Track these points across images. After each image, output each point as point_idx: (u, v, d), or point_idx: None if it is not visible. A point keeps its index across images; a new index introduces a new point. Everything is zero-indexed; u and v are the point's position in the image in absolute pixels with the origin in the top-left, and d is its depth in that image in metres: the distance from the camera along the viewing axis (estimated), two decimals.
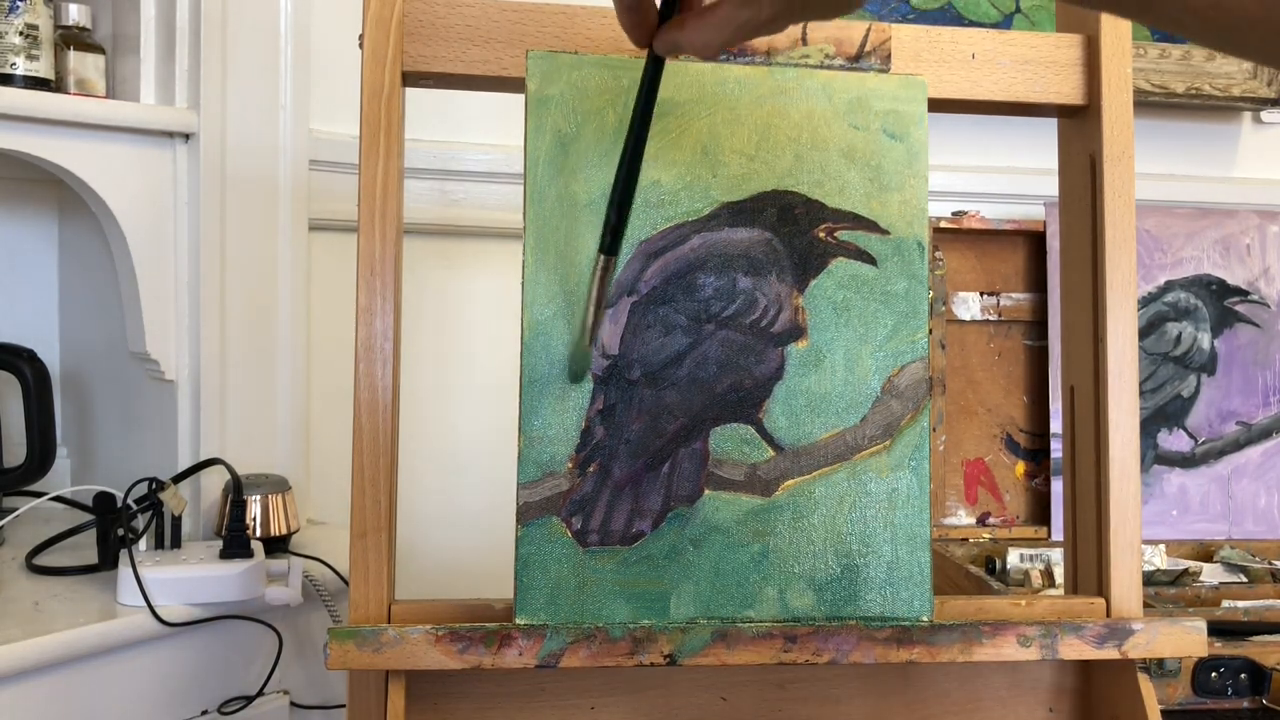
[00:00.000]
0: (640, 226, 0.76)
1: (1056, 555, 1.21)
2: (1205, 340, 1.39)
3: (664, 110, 0.77)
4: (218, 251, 1.18)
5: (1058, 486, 1.33)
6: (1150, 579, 1.20)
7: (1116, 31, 0.84)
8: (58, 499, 1.18)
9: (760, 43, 0.79)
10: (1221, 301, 1.39)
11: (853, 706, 0.83)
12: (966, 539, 1.33)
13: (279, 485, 1.18)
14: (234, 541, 1.05)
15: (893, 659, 0.76)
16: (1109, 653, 0.79)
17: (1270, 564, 1.29)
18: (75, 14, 1.16)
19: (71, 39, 1.15)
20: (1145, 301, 1.39)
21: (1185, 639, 0.80)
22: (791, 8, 0.55)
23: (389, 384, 0.76)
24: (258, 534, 1.15)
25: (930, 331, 0.87)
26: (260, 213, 1.22)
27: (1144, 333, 1.38)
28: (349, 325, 0.78)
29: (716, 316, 0.77)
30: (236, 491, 1.08)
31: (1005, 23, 1.48)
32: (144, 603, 0.98)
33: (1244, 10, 0.42)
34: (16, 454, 1.17)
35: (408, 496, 0.83)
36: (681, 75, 0.77)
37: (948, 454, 1.36)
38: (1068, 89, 0.85)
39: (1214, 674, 1.00)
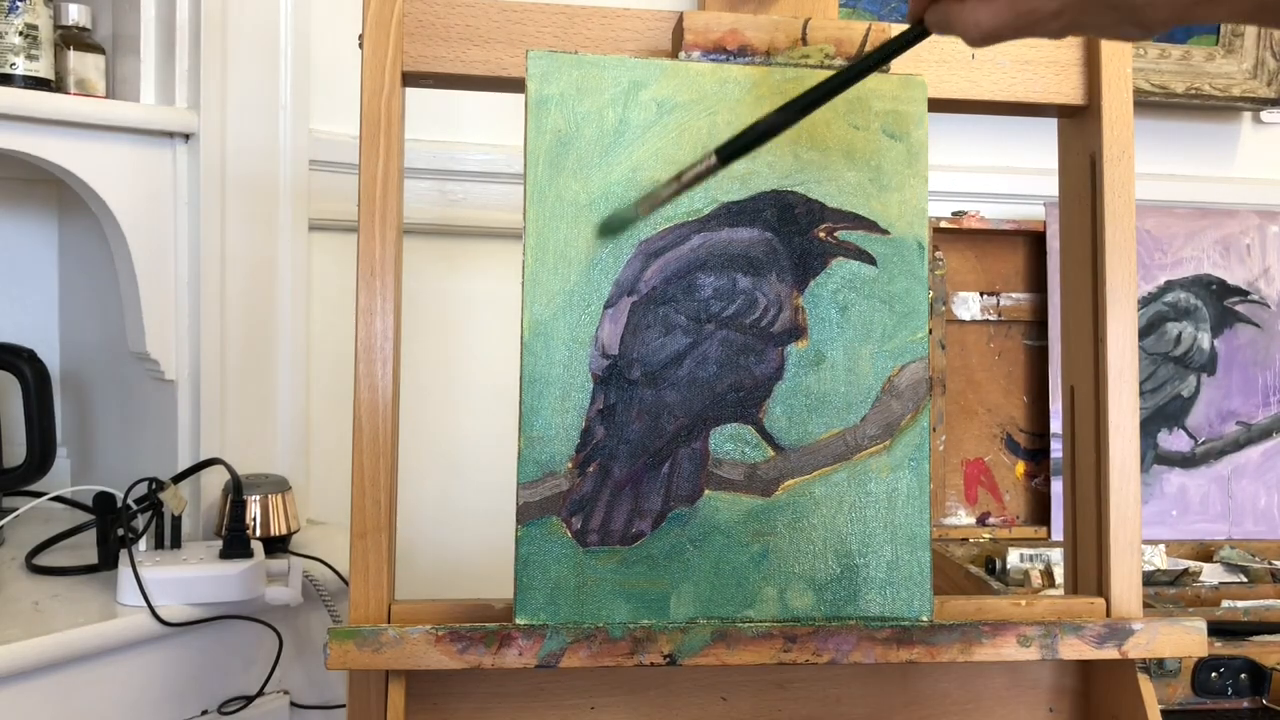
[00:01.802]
0: (640, 226, 0.76)
1: (1056, 555, 1.21)
2: (1205, 340, 1.39)
3: (664, 110, 0.77)
4: (218, 251, 1.18)
5: (1058, 486, 1.33)
6: (1150, 579, 1.20)
7: None
8: (58, 499, 1.18)
9: (760, 42, 0.79)
10: (1221, 301, 1.39)
11: (853, 706, 0.83)
12: (966, 539, 1.33)
13: (279, 485, 1.18)
14: (234, 541, 1.05)
15: (893, 659, 0.76)
16: (1109, 653, 0.79)
17: (1270, 564, 1.29)
18: (75, 14, 1.16)
19: (71, 39, 1.15)
20: (1145, 301, 1.39)
21: (1185, 639, 0.80)
22: (1081, 19, 0.53)
23: (389, 384, 0.76)
24: (258, 534, 1.15)
25: (930, 331, 0.87)
26: (260, 213, 1.22)
27: (1144, 333, 1.38)
28: (349, 325, 0.78)
29: (716, 316, 0.77)
30: (236, 491, 1.08)
31: None
32: (144, 603, 0.98)
33: None
34: (16, 454, 1.17)
35: (408, 496, 0.83)
36: (682, 75, 0.77)
37: (948, 454, 1.36)
38: (1068, 89, 0.85)
39: (1214, 674, 1.00)
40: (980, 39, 0.58)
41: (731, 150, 0.71)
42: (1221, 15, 0.53)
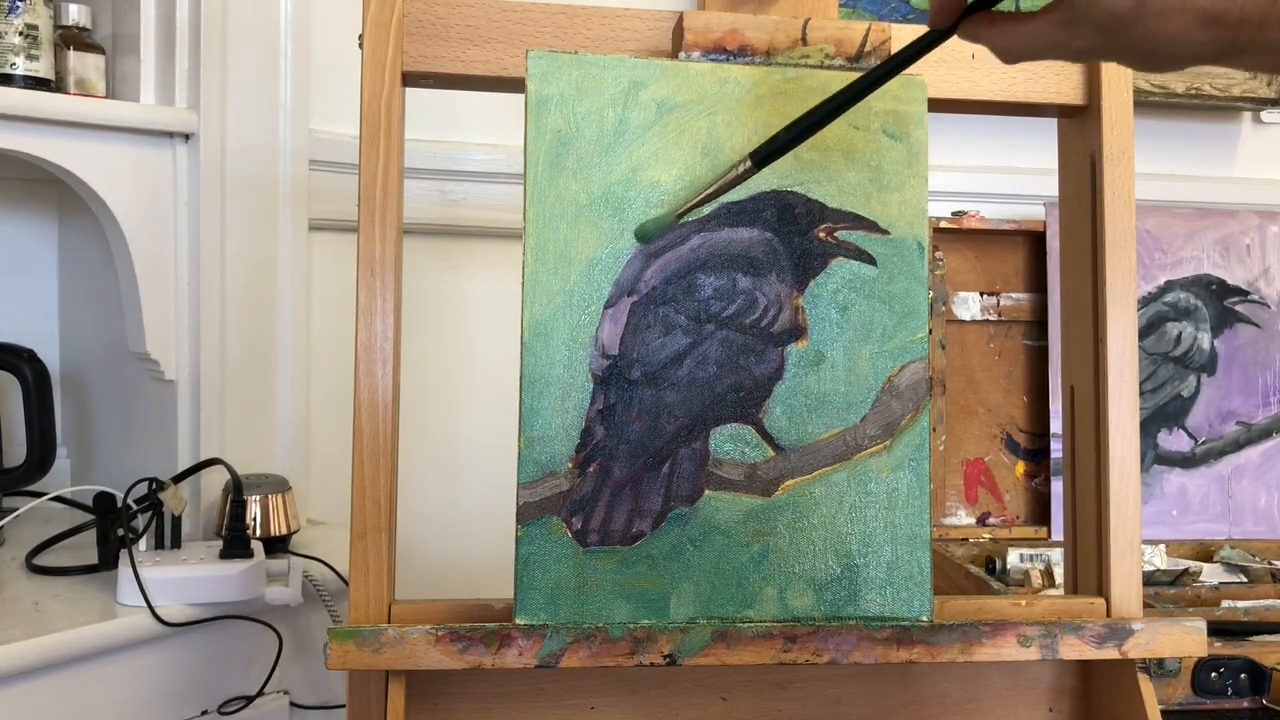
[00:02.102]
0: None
1: (1056, 555, 1.21)
2: (1205, 340, 1.39)
3: (664, 110, 0.77)
4: (218, 251, 1.18)
5: (1058, 486, 1.33)
6: (1150, 579, 1.20)
7: None
8: (58, 499, 1.18)
9: (760, 42, 0.79)
10: (1221, 301, 1.39)
11: (853, 706, 0.83)
12: (966, 539, 1.33)
13: (279, 485, 1.18)
14: (234, 541, 1.05)
15: (893, 659, 0.76)
16: (1109, 653, 0.79)
17: (1270, 564, 1.29)
18: (75, 14, 1.16)
19: (71, 39, 1.15)
20: (1145, 301, 1.39)
21: (1185, 639, 0.80)
22: (1108, 48, 0.56)
23: (389, 384, 0.76)
24: (258, 534, 1.15)
25: (930, 331, 0.87)
26: (260, 213, 1.22)
27: (1144, 333, 1.38)
28: (349, 325, 0.78)
29: (716, 316, 0.77)
30: (236, 491, 1.08)
31: None
32: (144, 603, 0.98)
33: None
34: (16, 454, 1.17)
35: (408, 496, 0.83)
36: (682, 75, 0.77)
37: (948, 454, 1.36)
38: (1068, 89, 0.85)
39: (1214, 674, 1.00)
40: (1009, 60, 0.61)
41: (766, 153, 0.72)
42: (1247, 65, 0.54)
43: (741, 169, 0.73)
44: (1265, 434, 1.39)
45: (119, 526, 1.07)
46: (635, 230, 0.75)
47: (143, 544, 1.06)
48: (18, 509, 1.15)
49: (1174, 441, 1.38)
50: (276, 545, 1.16)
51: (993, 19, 0.60)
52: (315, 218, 1.28)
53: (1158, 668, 0.99)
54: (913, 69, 0.81)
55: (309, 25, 1.27)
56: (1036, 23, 0.58)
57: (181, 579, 1.00)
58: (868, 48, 0.80)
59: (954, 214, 1.38)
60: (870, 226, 0.78)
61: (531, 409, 0.74)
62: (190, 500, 1.15)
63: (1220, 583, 1.22)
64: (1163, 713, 0.83)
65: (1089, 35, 0.56)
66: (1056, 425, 1.35)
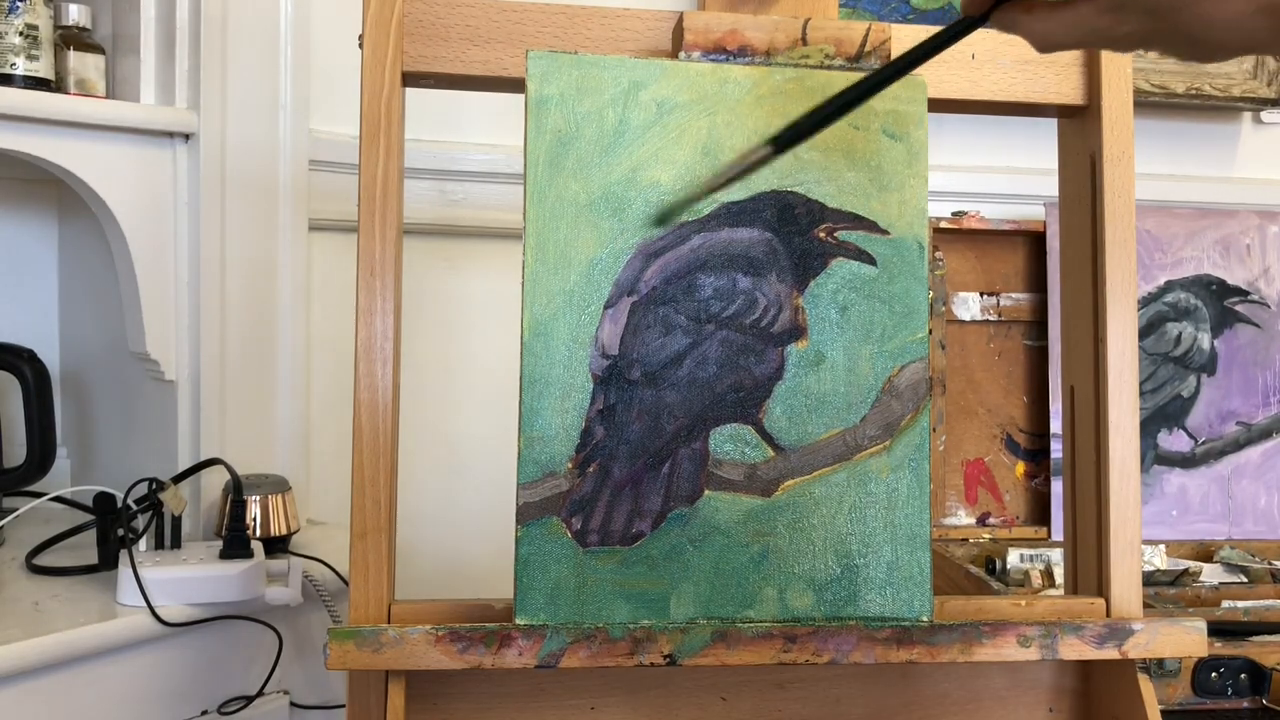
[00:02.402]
0: (640, 227, 0.76)
1: (1056, 555, 1.21)
2: (1205, 340, 1.39)
3: (664, 110, 0.77)
4: (218, 251, 1.18)
5: (1058, 486, 1.33)
6: (1150, 579, 1.20)
7: None
8: (58, 499, 1.18)
9: (760, 42, 0.79)
10: (1221, 301, 1.39)
11: (853, 706, 0.83)
12: (966, 539, 1.33)
13: (279, 485, 1.18)
14: (234, 541, 1.05)
15: (893, 659, 0.76)
16: (1109, 653, 0.79)
17: (1270, 564, 1.29)
18: (75, 14, 1.16)
19: (71, 39, 1.15)
20: (1145, 301, 1.39)
21: (1185, 639, 0.80)
22: (1154, 35, 0.54)
23: (389, 384, 0.76)
24: (258, 534, 1.15)
25: (930, 331, 0.87)
26: (260, 213, 1.22)
27: (1144, 333, 1.38)
28: (349, 325, 0.78)
29: (716, 316, 0.77)
30: (236, 491, 1.08)
31: None
32: (144, 603, 0.98)
33: None
34: (16, 454, 1.17)
35: (408, 496, 0.83)
36: (682, 75, 0.77)
37: (948, 454, 1.36)
38: (1068, 89, 0.85)
39: (1214, 674, 1.00)
40: (1046, 49, 0.58)
41: (788, 139, 0.71)
42: None
43: (761, 154, 0.72)
44: (1265, 434, 1.39)
45: (119, 526, 1.07)
46: (656, 214, 0.75)
47: (143, 544, 1.06)
48: (18, 509, 1.15)
49: (1174, 441, 1.38)
50: (276, 545, 1.16)
51: (1029, 6, 0.58)
52: (315, 218, 1.28)
53: (1158, 668, 0.99)
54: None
55: (309, 25, 1.27)
56: (1079, 9, 0.55)
57: (181, 579, 1.00)
58: (868, 48, 0.80)
59: (954, 214, 1.38)
60: (870, 226, 0.78)
61: (531, 409, 0.74)
62: (190, 500, 1.15)
63: (1220, 583, 1.22)
64: (1163, 713, 0.83)
65: (1136, 20, 0.53)
66: (1056, 425, 1.35)
